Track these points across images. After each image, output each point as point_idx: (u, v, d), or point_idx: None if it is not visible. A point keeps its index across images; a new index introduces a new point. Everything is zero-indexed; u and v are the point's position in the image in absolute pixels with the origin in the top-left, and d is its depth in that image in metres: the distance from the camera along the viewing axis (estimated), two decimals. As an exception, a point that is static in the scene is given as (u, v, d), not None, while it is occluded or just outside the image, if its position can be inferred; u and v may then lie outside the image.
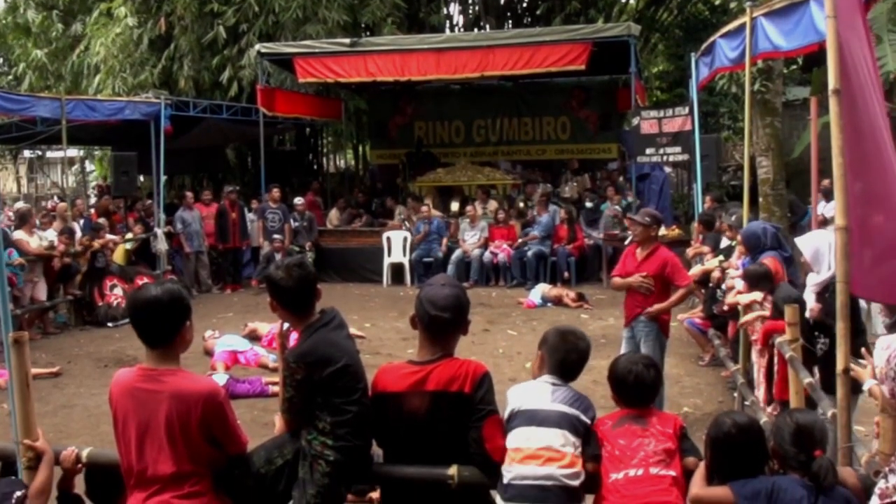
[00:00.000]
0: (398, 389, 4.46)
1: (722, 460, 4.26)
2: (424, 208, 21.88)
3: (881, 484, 4.07)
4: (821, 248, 7.60)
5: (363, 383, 4.50)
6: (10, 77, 29.50)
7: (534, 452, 4.40)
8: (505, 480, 4.39)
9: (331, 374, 4.33)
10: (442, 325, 4.51)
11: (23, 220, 16.70)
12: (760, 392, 8.45)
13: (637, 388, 4.62)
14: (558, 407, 4.50)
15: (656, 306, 9.50)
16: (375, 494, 7.20)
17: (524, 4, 30.65)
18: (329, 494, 4.37)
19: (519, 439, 4.46)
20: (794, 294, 7.87)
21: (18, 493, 4.45)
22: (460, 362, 4.48)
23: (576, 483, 4.36)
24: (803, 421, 4.26)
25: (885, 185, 4.79)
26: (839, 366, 4.83)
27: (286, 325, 4.90)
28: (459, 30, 29.96)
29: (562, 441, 4.41)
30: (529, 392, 4.62)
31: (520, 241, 20.85)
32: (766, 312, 8.22)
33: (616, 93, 25.89)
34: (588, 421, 4.51)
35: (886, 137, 4.87)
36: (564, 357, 4.69)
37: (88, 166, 38.38)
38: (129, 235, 19.33)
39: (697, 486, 4.27)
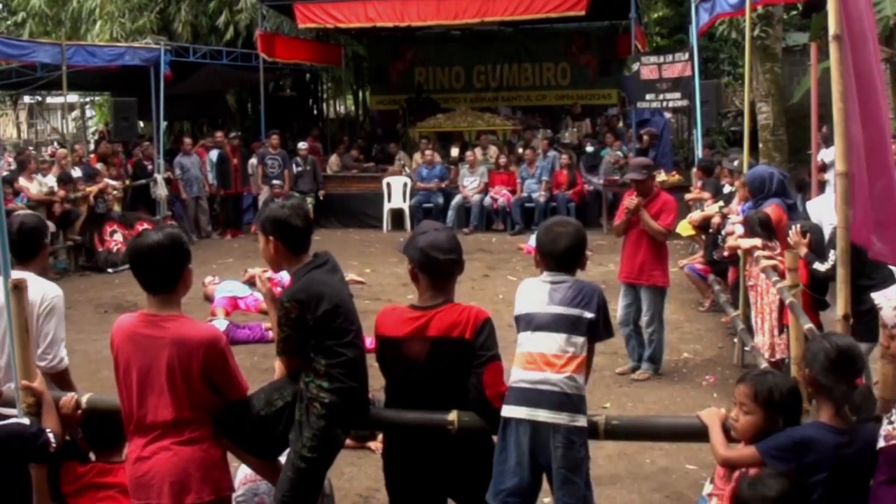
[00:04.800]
0: (399, 334, 4.49)
1: (784, 419, 3.99)
2: (428, 153, 21.86)
3: (887, 426, 3.90)
4: (822, 218, 7.57)
5: (356, 325, 4.49)
6: (10, 23, 29.30)
7: (532, 357, 4.44)
8: (509, 384, 4.43)
9: (324, 313, 4.31)
10: (451, 268, 4.55)
11: (22, 166, 16.67)
12: (759, 338, 8.48)
13: None
14: (555, 309, 4.50)
15: (640, 208, 9.53)
16: (373, 445, 7.28)
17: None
18: (325, 437, 4.38)
19: (522, 344, 4.52)
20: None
21: (49, 432, 4.46)
22: (462, 308, 4.49)
23: (574, 390, 4.37)
24: (844, 345, 3.99)
25: (881, 134, 4.77)
26: (839, 311, 4.84)
27: (268, 274, 4.88)
28: (459, -26, 29.69)
29: (559, 346, 4.42)
30: (531, 293, 4.65)
31: (541, 193, 20.72)
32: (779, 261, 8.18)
33: (616, 38, 25.77)
34: (592, 315, 4.49)
35: (880, 86, 4.86)
36: (553, 248, 4.68)
37: (88, 112, 38.23)
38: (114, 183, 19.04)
39: (722, 447, 4.10)
